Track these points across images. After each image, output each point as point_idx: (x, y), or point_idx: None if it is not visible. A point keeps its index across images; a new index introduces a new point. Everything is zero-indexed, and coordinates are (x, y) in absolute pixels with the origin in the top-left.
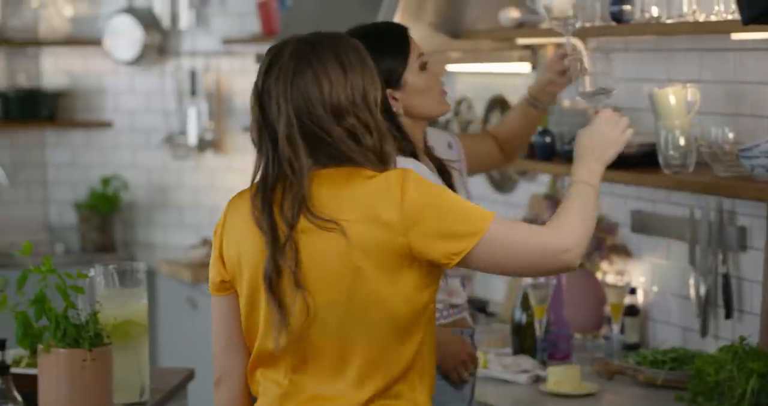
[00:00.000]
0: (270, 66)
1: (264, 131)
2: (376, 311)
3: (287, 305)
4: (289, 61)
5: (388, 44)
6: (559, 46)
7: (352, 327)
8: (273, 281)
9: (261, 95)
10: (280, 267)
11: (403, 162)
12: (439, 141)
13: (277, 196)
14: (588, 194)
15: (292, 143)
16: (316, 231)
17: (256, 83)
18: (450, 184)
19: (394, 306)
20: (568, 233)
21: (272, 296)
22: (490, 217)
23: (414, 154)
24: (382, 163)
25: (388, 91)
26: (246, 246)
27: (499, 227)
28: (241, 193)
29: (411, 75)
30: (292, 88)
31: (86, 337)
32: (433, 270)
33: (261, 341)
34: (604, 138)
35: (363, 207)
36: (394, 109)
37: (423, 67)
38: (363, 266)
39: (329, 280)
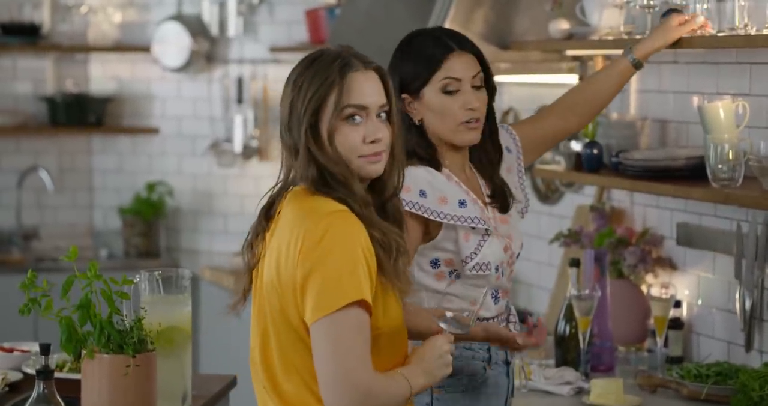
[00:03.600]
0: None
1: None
2: (287, 328)
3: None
4: (290, 73)
5: (418, 53)
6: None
7: (280, 342)
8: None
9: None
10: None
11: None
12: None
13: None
14: (403, 391)
15: (287, 153)
16: (270, 243)
17: None
18: (506, 206)
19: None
20: (381, 389)
21: (247, 275)
22: (352, 298)
23: (432, 161)
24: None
25: (405, 96)
26: None
27: (353, 321)
28: None
29: (430, 92)
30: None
31: (130, 343)
32: None
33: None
34: (442, 359)
35: (288, 232)
36: (412, 116)
37: (446, 90)
38: (275, 282)
39: (264, 287)
